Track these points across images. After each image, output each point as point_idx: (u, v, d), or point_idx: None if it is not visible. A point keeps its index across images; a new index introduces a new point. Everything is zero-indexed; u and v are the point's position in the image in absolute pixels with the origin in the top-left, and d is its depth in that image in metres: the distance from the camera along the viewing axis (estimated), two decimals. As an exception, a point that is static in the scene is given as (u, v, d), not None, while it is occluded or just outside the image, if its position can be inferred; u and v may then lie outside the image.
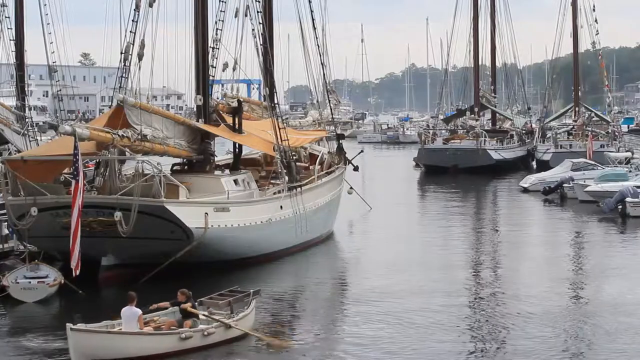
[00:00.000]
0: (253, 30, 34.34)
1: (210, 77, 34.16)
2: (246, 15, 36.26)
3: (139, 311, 20.02)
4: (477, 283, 28.94)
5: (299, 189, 33.30)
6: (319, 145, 41.63)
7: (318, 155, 38.97)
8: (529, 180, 55.52)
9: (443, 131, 78.33)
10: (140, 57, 30.92)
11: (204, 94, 33.16)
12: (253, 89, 77.13)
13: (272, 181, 34.43)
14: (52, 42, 46.22)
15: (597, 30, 75.57)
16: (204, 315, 20.83)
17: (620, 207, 41.99)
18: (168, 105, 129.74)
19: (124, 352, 19.33)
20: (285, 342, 20.91)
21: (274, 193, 32.82)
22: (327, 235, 36.83)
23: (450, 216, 45.91)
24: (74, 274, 25.11)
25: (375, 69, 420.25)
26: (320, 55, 40.63)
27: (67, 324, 19.37)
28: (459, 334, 21.94)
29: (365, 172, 61.92)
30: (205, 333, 20.23)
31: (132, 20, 31.03)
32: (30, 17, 46.25)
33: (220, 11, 35.76)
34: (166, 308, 21.05)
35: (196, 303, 21.07)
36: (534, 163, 73.67)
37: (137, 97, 31.90)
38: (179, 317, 20.71)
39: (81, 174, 25.33)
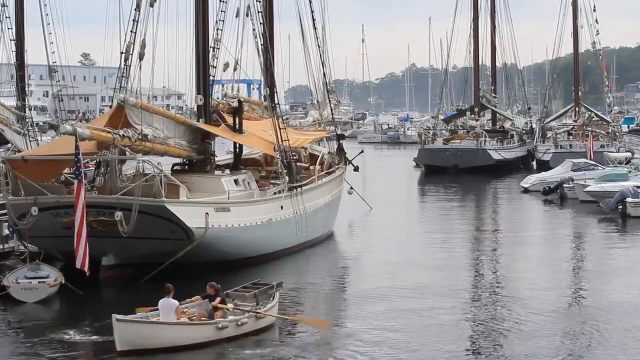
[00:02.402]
0: (254, 30, 34.38)
1: (211, 77, 34.17)
2: (247, 15, 36.32)
3: (176, 302, 20.86)
4: (478, 283, 28.95)
5: (299, 189, 33.30)
6: (319, 145, 41.63)
7: (318, 156, 38.96)
8: (529, 181, 55.50)
9: (443, 131, 78.34)
10: (140, 57, 30.90)
11: (205, 94, 33.16)
12: (253, 89, 77.10)
13: (272, 181, 34.43)
14: (52, 42, 46.25)
15: (598, 31, 75.76)
16: (232, 306, 21.64)
17: (620, 207, 42.01)
18: (168, 105, 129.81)
19: (166, 341, 20.23)
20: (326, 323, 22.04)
21: (275, 193, 32.82)
22: (327, 235, 36.83)
23: (450, 216, 45.93)
24: (87, 274, 25.20)
25: (376, 69, 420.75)
26: (320, 55, 40.66)
27: (113, 314, 20.06)
28: (459, 334, 21.94)
29: (366, 172, 61.92)
30: (239, 323, 21.19)
31: (133, 20, 31.03)
32: (31, 17, 46.30)
33: (221, 11, 35.84)
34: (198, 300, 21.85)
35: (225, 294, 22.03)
36: (534, 163, 73.69)
37: (138, 97, 31.91)
38: (208, 308, 21.44)
39: (83, 173, 25.40)
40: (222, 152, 38.10)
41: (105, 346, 20.82)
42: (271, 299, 22.71)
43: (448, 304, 24.93)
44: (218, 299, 21.46)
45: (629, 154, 59.55)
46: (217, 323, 20.88)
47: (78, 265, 25.17)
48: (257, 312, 21.71)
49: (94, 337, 21.77)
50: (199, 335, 20.67)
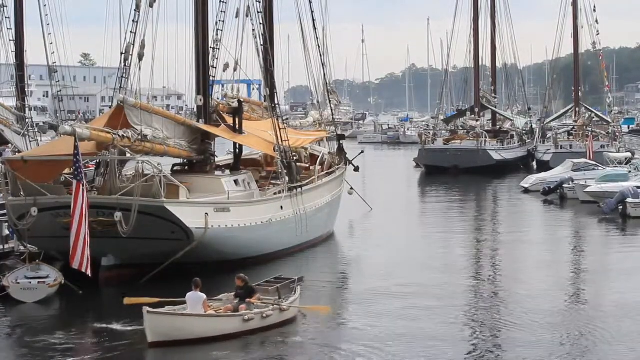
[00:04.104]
0: (253, 30, 34.37)
1: (211, 78, 34.14)
2: (247, 16, 36.27)
3: (204, 296, 21.54)
4: (478, 284, 28.90)
5: (299, 190, 33.28)
6: (319, 145, 41.61)
7: (318, 156, 38.94)
8: (529, 181, 55.51)
9: (443, 131, 78.34)
10: (140, 57, 30.87)
11: (205, 94, 33.15)
12: (253, 89, 77.23)
13: (272, 181, 34.42)
14: (52, 43, 46.24)
15: (598, 31, 75.71)
16: (259, 301, 22.45)
17: (620, 207, 41.96)
18: (168, 105, 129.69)
19: (194, 333, 20.93)
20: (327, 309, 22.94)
21: (275, 193, 32.81)
22: (327, 235, 36.80)
23: (450, 217, 45.91)
24: (89, 275, 25.20)
25: (376, 69, 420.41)
26: (320, 56, 40.63)
27: (144, 307, 20.51)
28: (459, 335, 21.92)
29: (366, 172, 61.90)
30: (264, 315, 21.94)
31: (133, 21, 31.00)
32: (30, 17, 46.30)
33: (221, 11, 35.78)
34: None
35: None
36: (534, 163, 73.67)
37: (138, 97, 31.88)
38: (233, 302, 22.17)
39: (83, 173, 25.37)
40: (222, 153, 38.07)
41: (104, 347, 20.83)
42: (293, 292, 23.49)
43: (448, 304, 24.91)
44: (255, 297, 22.24)
45: (628, 154, 59.54)
46: (243, 315, 21.58)
47: (76, 266, 25.13)
48: (281, 307, 22.35)
49: (92, 337, 21.78)
50: (226, 327, 21.41)
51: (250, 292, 22.41)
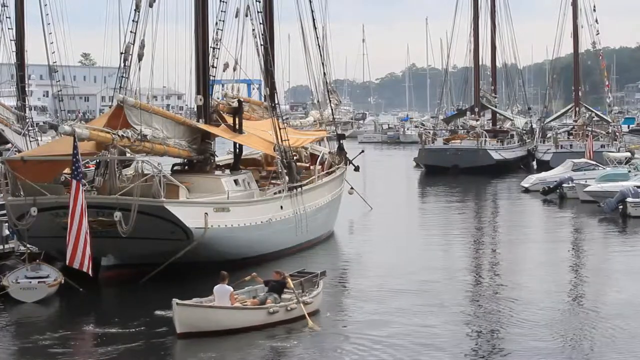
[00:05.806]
0: (253, 30, 34.37)
1: (211, 77, 34.13)
2: (247, 16, 36.27)
3: (231, 288, 22.24)
4: (478, 283, 28.90)
5: (299, 189, 33.28)
6: (319, 145, 41.60)
7: (319, 156, 38.94)
8: (530, 180, 55.53)
9: (443, 131, 78.34)
10: (140, 57, 30.85)
11: (205, 94, 33.14)
12: (253, 89, 77.14)
13: (272, 181, 34.41)
14: (52, 42, 46.29)
15: (598, 30, 75.81)
16: (293, 290, 23.12)
17: (621, 207, 41.96)
18: (168, 105, 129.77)
19: (222, 324, 21.61)
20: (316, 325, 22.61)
21: (275, 193, 32.80)
22: (327, 235, 36.80)
23: (450, 216, 45.89)
24: (90, 274, 25.19)
25: (376, 69, 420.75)
26: (320, 55, 40.61)
27: (174, 299, 21.07)
28: (459, 335, 21.91)
29: (366, 172, 61.89)
30: (288, 308, 22.70)
31: (132, 21, 31.00)
32: (31, 17, 46.33)
33: (221, 11, 35.75)
34: (260, 282, 23.60)
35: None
36: (534, 163, 73.68)
37: (137, 97, 31.87)
38: (258, 295, 22.98)
39: (81, 173, 25.36)
40: (223, 153, 38.07)
41: (104, 347, 20.83)
42: (316, 286, 24.12)
43: (449, 303, 24.92)
44: (289, 279, 23.17)
45: (628, 154, 59.53)
46: (268, 308, 22.29)
47: (76, 265, 25.10)
48: (300, 300, 22.81)
49: (92, 337, 21.77)
50: (252, 319, 22.08)
51: (282, 287, 23.10)
